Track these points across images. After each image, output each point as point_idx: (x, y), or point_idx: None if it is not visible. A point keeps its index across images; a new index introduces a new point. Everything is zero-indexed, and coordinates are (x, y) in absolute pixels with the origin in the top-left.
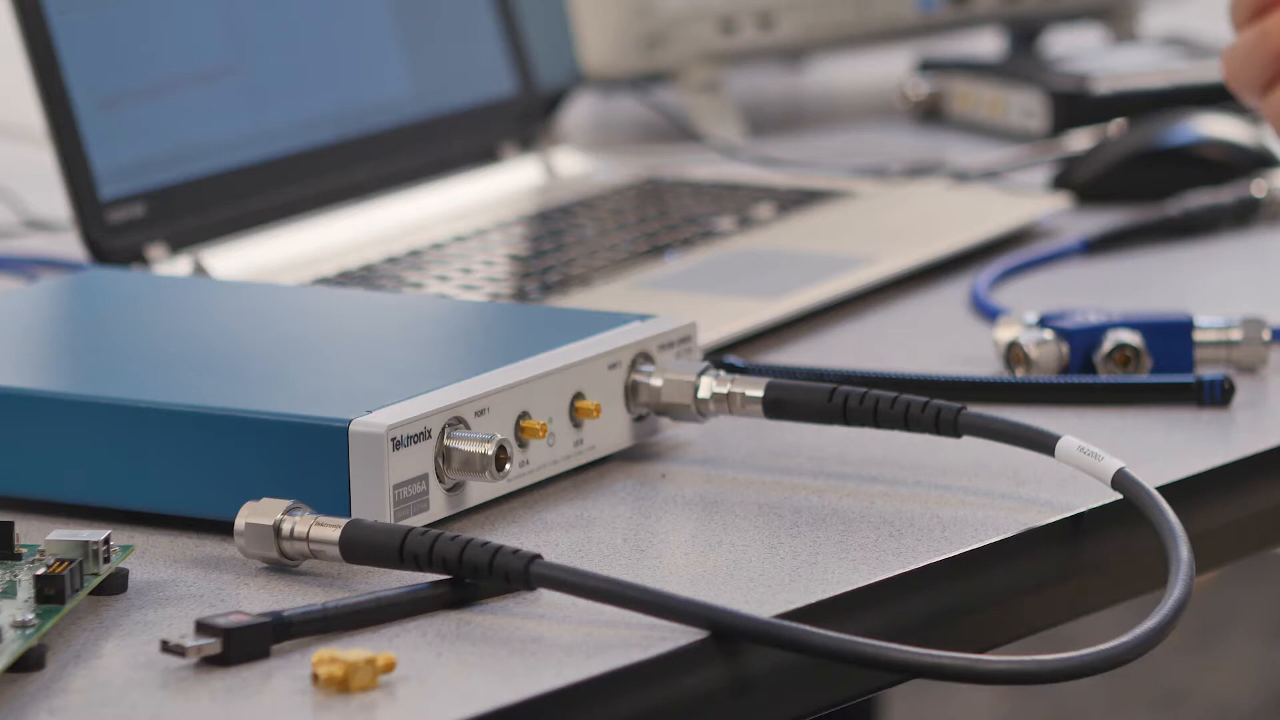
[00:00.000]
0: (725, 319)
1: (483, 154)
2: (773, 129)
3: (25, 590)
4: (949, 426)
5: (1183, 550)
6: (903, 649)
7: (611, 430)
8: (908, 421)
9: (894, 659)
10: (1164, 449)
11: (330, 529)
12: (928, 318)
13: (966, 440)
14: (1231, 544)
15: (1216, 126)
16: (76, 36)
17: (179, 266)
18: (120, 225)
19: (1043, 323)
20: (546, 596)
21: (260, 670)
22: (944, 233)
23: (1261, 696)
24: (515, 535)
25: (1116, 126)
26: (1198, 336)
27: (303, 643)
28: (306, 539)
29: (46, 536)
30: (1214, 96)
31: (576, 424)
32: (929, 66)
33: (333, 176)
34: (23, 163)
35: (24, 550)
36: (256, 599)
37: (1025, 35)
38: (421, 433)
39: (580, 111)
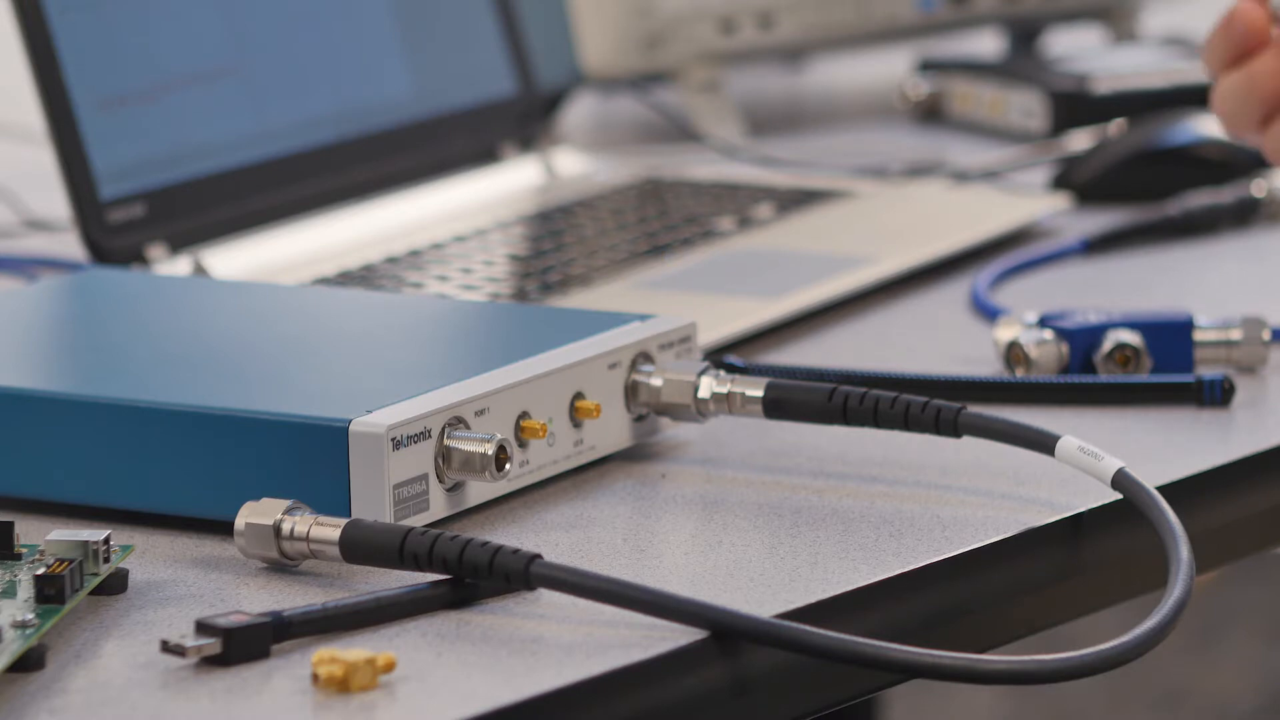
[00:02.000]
0: (725, 319)
1: (483, 154)
2: (773, 129)
3: (25, 590)
4: (949, 426)
5: (1183, 550)
6: (903, 649)
7: (611, 430)
8: (908, 421)
9: (894, 659)
10: (1164, 449)
11: (330, 529)
12: (928, 318)
13: (966, 440)
14: (1231, 544)
15: (1216, 126)
16: (76, 36)
17: (179, 266)
18: (120, 225)
19: (1043, 323)
20: (546, 596)
21: (260, 670)
22: (944, 233)
23: (1261, 696)
24: (515, 535)
25: (1116, 126)
26: (1198, 336)
27: (303, 643)
28: (306, 539)
29: (46, 536)
30: None
31: (576, 424)
32: (929, 66)
33: (333, 176)
34: (23, 163)
35: (24, 550)
36: (256, 599)
37: (1025, 35)
38: (421, 433)
39: (580, 111)
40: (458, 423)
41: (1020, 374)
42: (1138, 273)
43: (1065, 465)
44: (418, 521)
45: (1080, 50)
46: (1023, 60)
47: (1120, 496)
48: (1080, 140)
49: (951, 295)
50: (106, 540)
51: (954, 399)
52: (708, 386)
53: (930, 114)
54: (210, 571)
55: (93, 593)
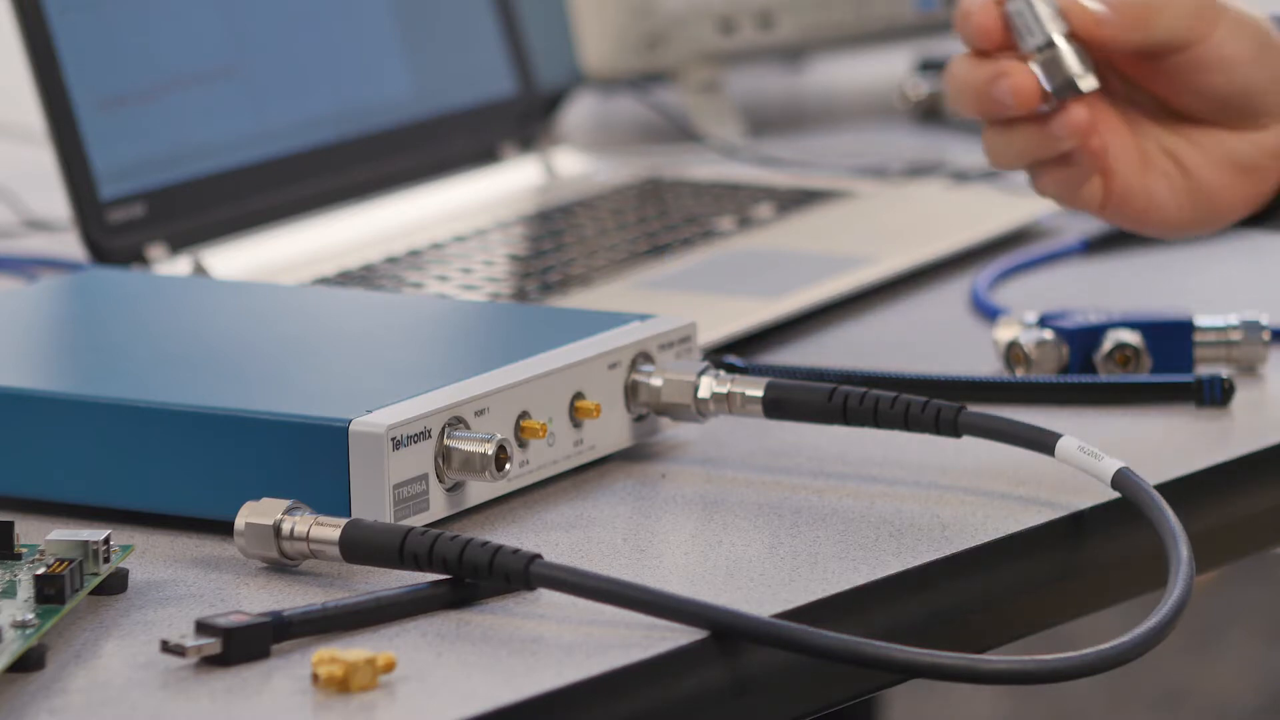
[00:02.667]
0: (725, 319)
1: (483, 154)
2: (773, 129)
3: (25, 590)
4: (949, 426)
5: (1183, 550)
6: (903, 649)
7: (611, 430)
8: (908, 421)
9: (894, 659)
10: (1164, 449)
11: (330, 529)
12: (928, 318)
13: (966, 440)
14: (1231, 544)
15: None
16: (76, 36)
17: (179, 266)
18: (120, 225)
19: (1043, 323)
20: (546, 596)
21: (260, 670)
22: (944, 233)
23: (1261, 696)
24: (515, 535)
25: None
26: (1198, 336)
27: (303, 643)
28: (306, 539)
29: (46, 536)
30: None
31: (576, 424)
32: (929, 66)
33: (333, 176)
34: (23, 163)
35: (24, 550)
36: (256, 599)
37: None
38: (421, 432)
39: (580, 111)
40: (458, 423)
41: (1020, 374)
42: (1138, 273)
43: (1065, 465)
44: (418, 521)
45: None
46: None
47: (1120, 496)
48: None
49: (951, 295)
50: (106, 540)
51: (954, 399)
52: (708, 386)
53: (930, 114)
54: (210, 571)
55: (93, 593)
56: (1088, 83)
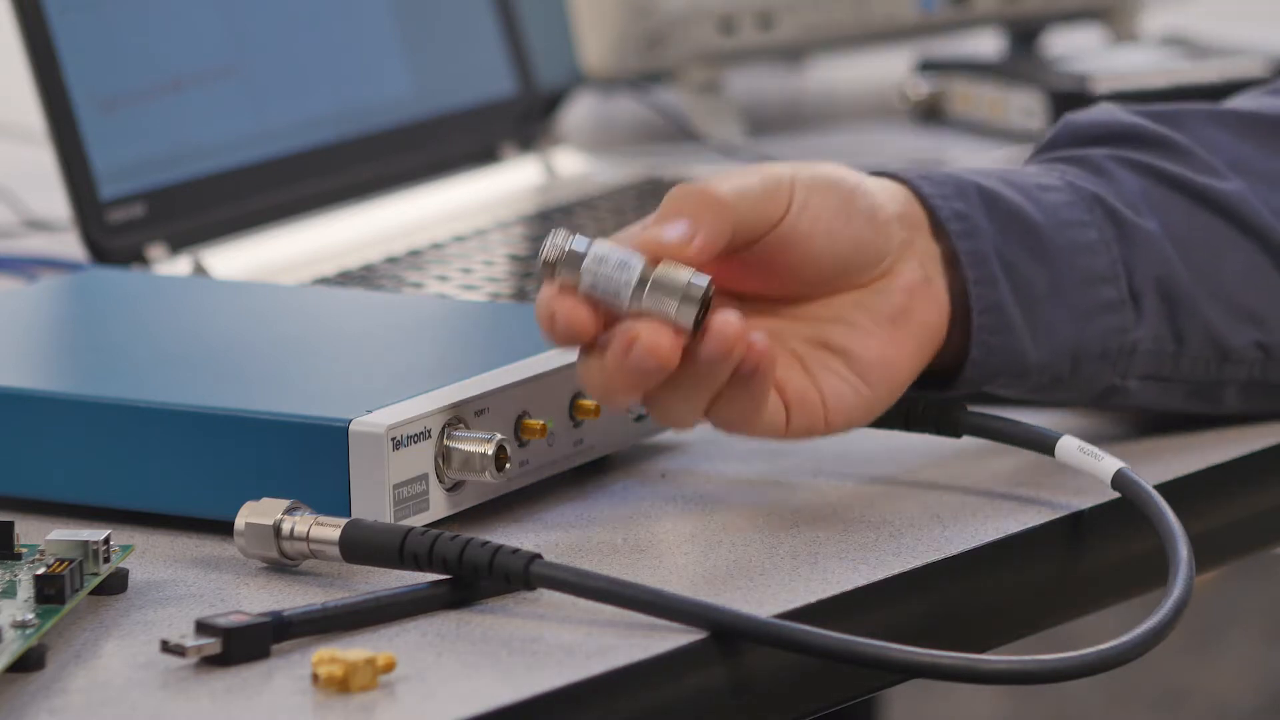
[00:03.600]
0: None
1: (483, 154)
2: (773, 129)
3: (25, 590)
4: (949, 426)
5: (1183, 550)
6: (903, 649)
7: (611, 430)
8: (908, 421)
9: (894, 659)
10: (1164, 449)
11: (330, 529)
12: None
13: (966, 440)
14: (1231, 544)
15: None
16: (76, 36)
17: (179, 266)
18: (120, 225)
19: None
20: (546, 596)
21: (260, 670)
22: None
23: (1261, 696)
24: (515, 535)
25: None
26: None
27: (303, 643)
28: (306, 539)
29: (46, 536)
30: (1214, 96)
31: (576, 424)
32: (929, 66)
33: (333, 176)
34: (23, 163)
35: (24, 550)
36: (256, 599)
37: (1025, 35)
38: (421, 432)
39: (580, 111)
40: (458, 423)
41: None
42: None
43: (1065, 465)
44: (418, 521)
45: (1080, 50)
46: (1023, 60)
47: (1120, 496)
48: None
49: None
50: (106, 540)
51: (954, 399)
52: None
53: (930, 114)
54: (210, 571)
55: (93, 593)
56: (702, 278)
